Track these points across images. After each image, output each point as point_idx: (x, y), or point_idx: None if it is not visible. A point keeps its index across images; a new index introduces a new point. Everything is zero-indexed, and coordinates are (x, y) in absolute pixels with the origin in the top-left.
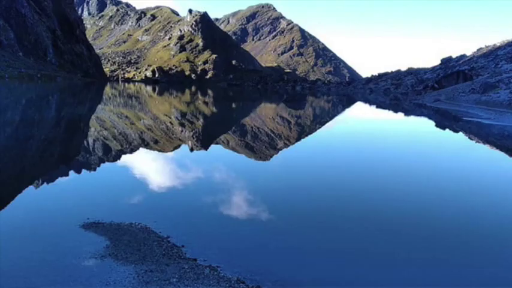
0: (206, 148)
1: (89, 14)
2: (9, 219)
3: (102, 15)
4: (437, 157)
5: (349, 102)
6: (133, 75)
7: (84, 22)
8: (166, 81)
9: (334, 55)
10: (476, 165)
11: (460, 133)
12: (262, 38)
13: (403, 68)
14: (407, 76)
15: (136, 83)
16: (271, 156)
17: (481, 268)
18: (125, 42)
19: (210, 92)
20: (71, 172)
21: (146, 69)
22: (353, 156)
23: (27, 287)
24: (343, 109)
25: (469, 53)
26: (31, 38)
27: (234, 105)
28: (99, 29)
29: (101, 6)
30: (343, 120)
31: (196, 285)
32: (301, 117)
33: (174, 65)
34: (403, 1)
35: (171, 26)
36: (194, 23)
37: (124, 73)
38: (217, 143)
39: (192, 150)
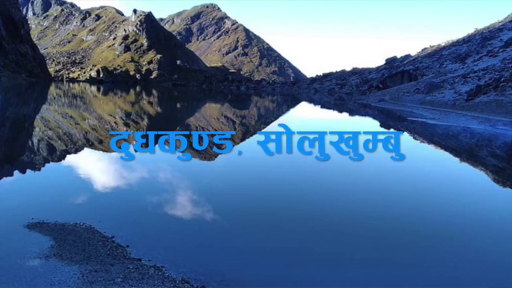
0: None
1: (34, 14)
2: None
3: (47, 15)
4: (380, 157)
5: (294, 103)
6: (78, 75)
7: (28, 22)
8: (111, 81)
9: (278, 55)
10: (420, 165)
11: (405, 133)
12: (207, 38)
13: (348, 68)
14: (352, 76)
15: (81, 83)
16: (215, 156)
17: (426, 268)
18: (69, 42)
19: (154, 92)
20: (16, 172)
21: (91, 69)
22: (297, 156)
23: None
24: (287, 109)
25: (413, 53)
26: None
27: (178, 105)
28: (44, 29)
29: (46, 6)
30: (288, 120)
31: (141, 285)
32: (246, 117)
33: (118, 65)
34: (346, 1)
35: (115, 26)
36: (139, 23)
37: (69, 73)
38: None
39: (136, 150)
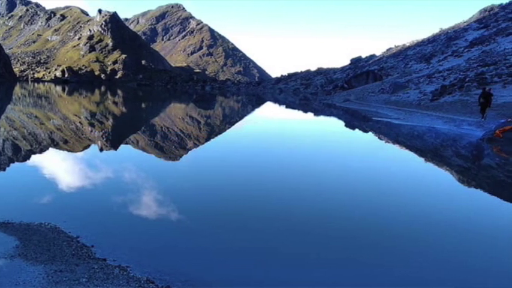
0: (116, 148)
1: None
2: None
3: (12, 15)
4: (347, 157)
5: (259, 102)
6: (43, 75)
7: None
8: (76, 81)
9: (243, 55)
10: (385, 165)
11: (370, 133)
12: (171, 38)
13: (313, 68)
14: (317, 76)
15: (46, 83)
16: (180, 156)
17: (391, 268)
18: (34, 42)
19: (119, 92)
20: None
21: (56, 69)
22: (263, 156)
23: None
24: (252, 109)
25: (378, 53)
26: None
27: (143, 105)
28: (9, 29)
29: (11, 6)
30: (253, 120)
31: (106, 285)
32: (211, 117)
33: (83, 65)
34: (311, 1)
35: (80, 26)
36: (104, 23)
37: (34, 73)
38: (126, 143)
39: (101, 150)
